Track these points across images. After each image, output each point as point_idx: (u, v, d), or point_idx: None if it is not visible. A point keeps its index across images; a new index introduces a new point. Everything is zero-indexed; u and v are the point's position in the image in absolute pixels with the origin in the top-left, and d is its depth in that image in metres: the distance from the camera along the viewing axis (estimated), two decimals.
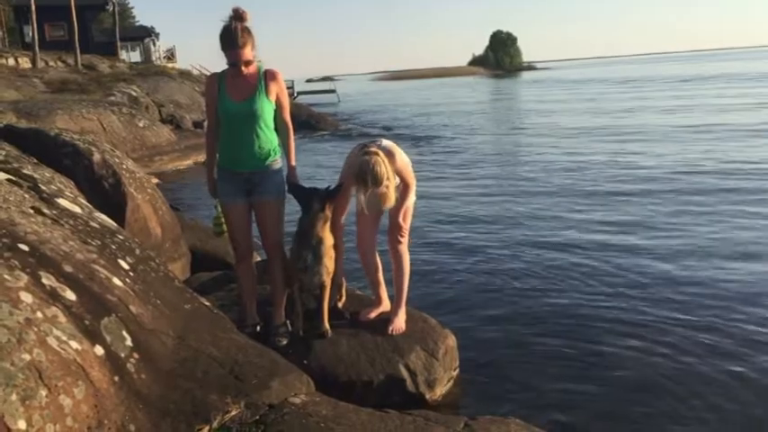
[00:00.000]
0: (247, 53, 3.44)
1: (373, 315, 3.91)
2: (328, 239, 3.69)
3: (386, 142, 3.76)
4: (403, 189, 3.80)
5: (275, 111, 3.64)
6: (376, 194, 3.57)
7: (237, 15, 3.43)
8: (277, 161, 3.70)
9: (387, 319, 3.86)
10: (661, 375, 4.00)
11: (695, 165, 11.20)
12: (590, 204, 8.74)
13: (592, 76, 59.44)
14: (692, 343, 4.40)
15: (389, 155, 3.63)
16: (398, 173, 3.71)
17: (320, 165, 13.85)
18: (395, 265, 3.98)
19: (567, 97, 33.33)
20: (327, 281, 3.73)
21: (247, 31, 3.43)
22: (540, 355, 4.32)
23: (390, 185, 3.56)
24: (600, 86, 38.65)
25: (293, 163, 3.77)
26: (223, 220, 3.84)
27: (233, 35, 3.39)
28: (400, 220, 3.84)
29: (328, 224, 3.69)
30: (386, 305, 3.99)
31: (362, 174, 3.47)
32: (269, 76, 3.58)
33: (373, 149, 3.56)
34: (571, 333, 4.63)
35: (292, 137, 3.76)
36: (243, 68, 3.47)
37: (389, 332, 3.77)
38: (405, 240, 3.93)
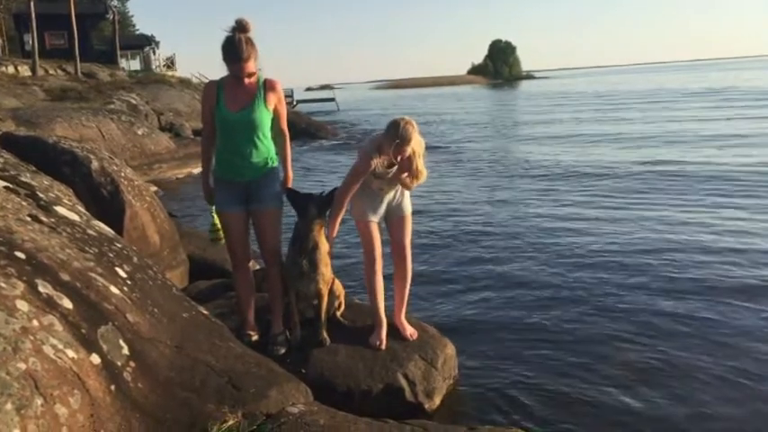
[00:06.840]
0: (251, 66, 3.42)
1: (384, 340, 3.76)
2: (324, 245, 3.69)
3: None
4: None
5: (272, 119, 3.63)
6: (391, 177, 3.61)
7: (241, 27, 3.38)
8: (275, 170, 3.69)
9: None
10: (679, 385, 3.91)
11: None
12: (600, 215, 8.69)
13: (591, 89, 59.27)
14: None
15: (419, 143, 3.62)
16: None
17: (319, 170, 13.88)
18: (400, 274, 3.98)
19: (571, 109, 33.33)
20: (324, 289, 3.72)
21: (251, 43, 3.40)
22: (541, 363, 4.28)
23: (416, 153, 3.53)
24: (596, 101, 38.38)
25: (289, 169, 3.80)
26: (219, 227, 3.83)
27: (237, 48, 3.34)
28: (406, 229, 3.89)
29: (324, 230, 3.69)
30: (385, 323, 3.87)
31: (394, 126, 3.45)
32: (268, 85, 3.56)
33: (408, 118, 3.54)
34: (575, 342, 4.58)
35: (289, 145, 3.78)
36: (245, 80, 3.46)
37: (409, 338, 3.80)
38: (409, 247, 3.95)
